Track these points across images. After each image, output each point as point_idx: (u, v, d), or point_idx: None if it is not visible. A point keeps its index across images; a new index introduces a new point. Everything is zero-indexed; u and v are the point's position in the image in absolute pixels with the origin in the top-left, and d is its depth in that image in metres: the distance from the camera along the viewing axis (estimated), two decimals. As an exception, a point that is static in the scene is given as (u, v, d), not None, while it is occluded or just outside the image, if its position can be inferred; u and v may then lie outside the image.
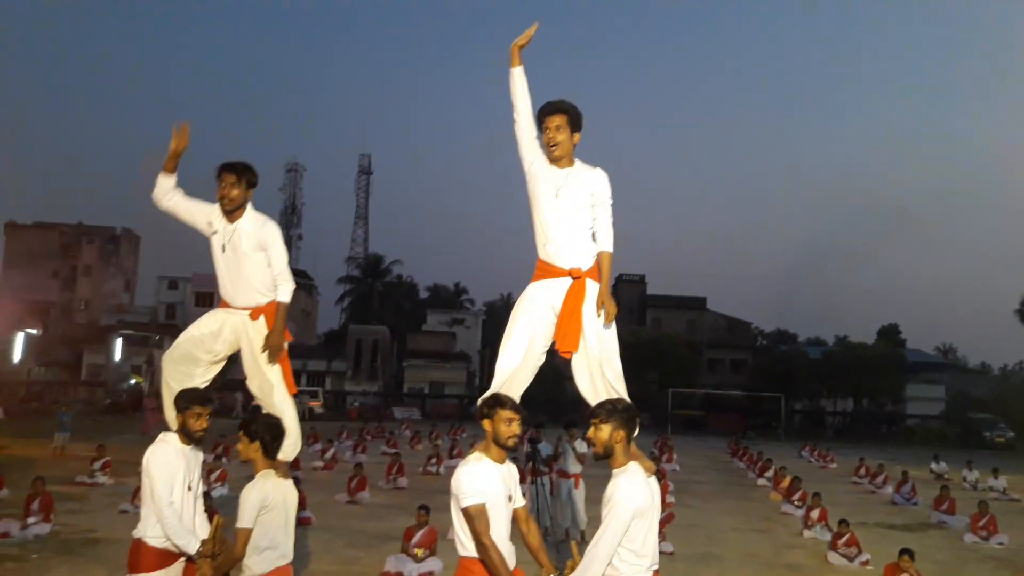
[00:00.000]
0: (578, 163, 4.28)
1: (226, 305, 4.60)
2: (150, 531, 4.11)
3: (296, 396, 4.73)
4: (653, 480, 3.74)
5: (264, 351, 4.47)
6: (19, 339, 42.91)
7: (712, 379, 57.19)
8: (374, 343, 58.97)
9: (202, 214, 4.62)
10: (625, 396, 4.01)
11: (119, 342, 48.24)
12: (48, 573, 8.54)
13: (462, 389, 57.84)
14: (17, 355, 42.89)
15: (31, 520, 10.35)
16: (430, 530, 9.41)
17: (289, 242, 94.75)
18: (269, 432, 4.10)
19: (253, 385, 4.54)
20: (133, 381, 48.64)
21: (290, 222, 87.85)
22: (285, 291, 4.58)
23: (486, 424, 3.86)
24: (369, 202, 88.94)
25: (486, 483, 3.74)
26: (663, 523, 10.03)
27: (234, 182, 4.49)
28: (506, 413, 3.83)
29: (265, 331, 4.48)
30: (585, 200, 4.19)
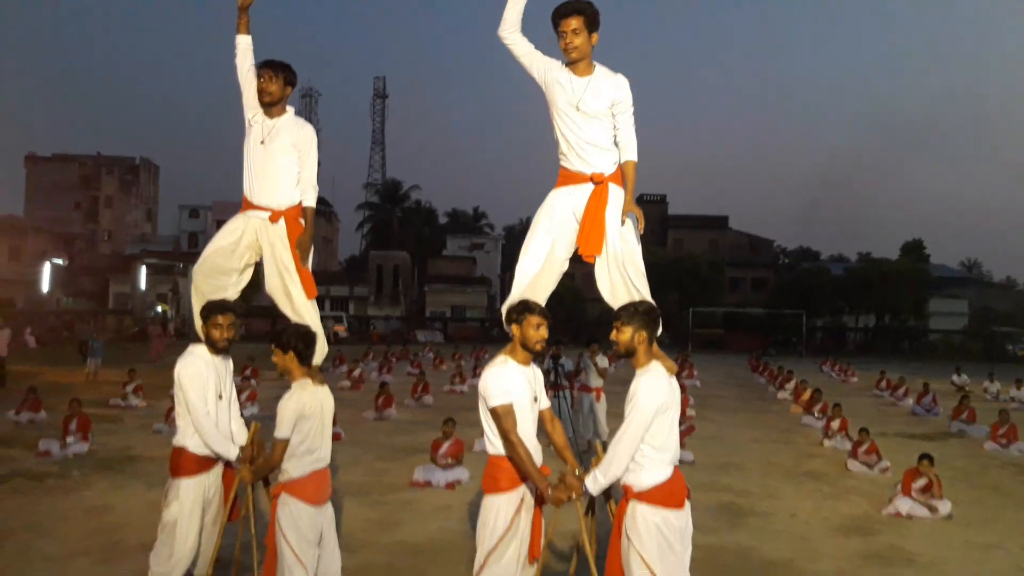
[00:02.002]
0: (598, 69, 4.10)
1: (247, 206, 4.62)
2: (189, 440, 4.23)
3: (321, 320, 4.79)
4: (674, 379, 3.79)
5: (296, 250, 4.56)
6: (46, 270, 43.56)
7: (733, 298, 57.07)
8: (395, 268, 59.30)
9: (246, 102, 4.72)
10: (648, 297, 4.01)
11: (143, 271, 48.84)
12: (89, 488, 8.85)
13: (483, 313, 58.29)
14: (45, 286, 43.61)
15: (70, 440, 10.69)
16: (456, 441, 9.63)
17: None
18: (301, 340, 4.16)
19: (273, 290, 4.58)
20: (159, 309, 49.44)
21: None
22: (311, 197, 4.70)
23: (514, 329, 3.90)
24: (385, 127, 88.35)
25: (512, 384, 3.81)
26: (684, 434, 10.17)
27: (271, 76, 4.63)
28: (535, 319, 3.88)
29: (284, 235, 4.52)
30: (606, 108, 4.08)
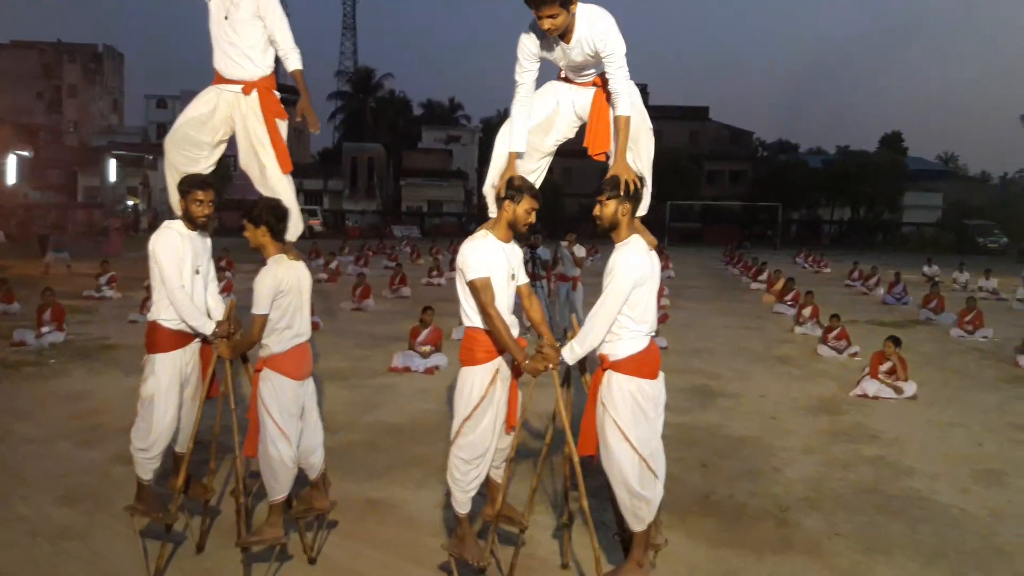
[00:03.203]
0: (579, 25, 3.77)
1: (219, 79, 4.45)
2: (163, 314, 4.19)
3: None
4: (654, 253, 3.77)
5: (299, 119, 4.46)
6: (10, 162, 42.41)
7: (711, 191, 56.97)
8: (369, 161, 58.30)
9: None
10: (647, 174, 3.94)
11: (112, 163, 47.76)
12: (66, 376, 8.87)
13: (460, 207, 57.90)
14: (10, 179, 42.55)
15: (45, 329, 10.64)
16: (435, 329, 9.71)
17: (275, 58, 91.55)
18: (272, 214, 4.07)
19: (248, 165, 4.46)
20: (130, 203, 48.62)
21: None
22: (295, 59, 4.50)
23: (507, 205, 3.83)
24: (356, 11, 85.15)
25: (491, 258, 3.79)
26: (658, 321, 10.31)
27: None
28: (531, 202, 3.84)
29: (257, 107, 4.37)
30: (591, 60, 3.87)
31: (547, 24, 3.67)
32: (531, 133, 4.07)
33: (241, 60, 4.38)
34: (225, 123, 4.43)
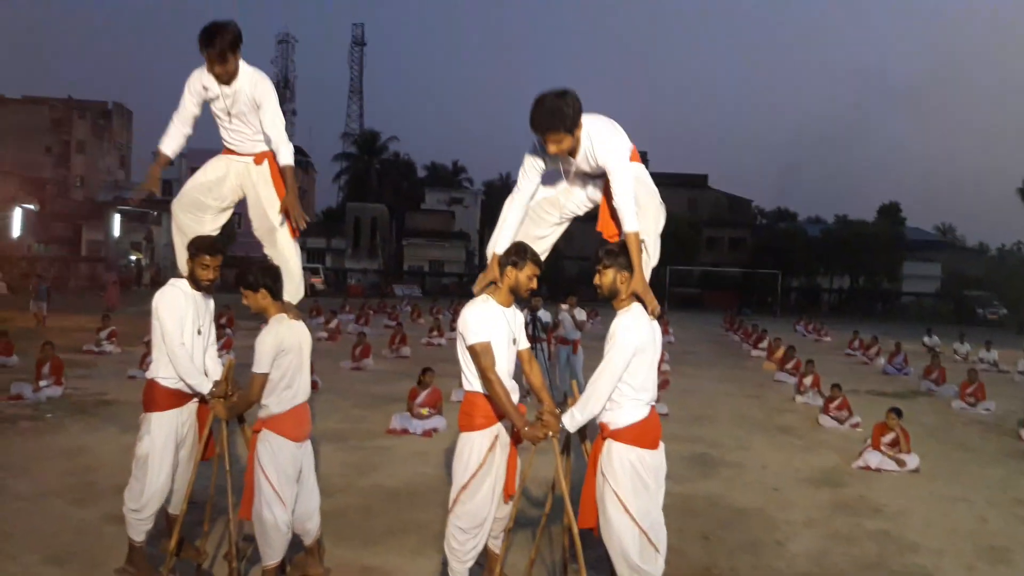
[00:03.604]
0: (582, 139, 3.78)
1: (229, 152, 4.52)
2: (162, 372, 4.18)
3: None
4: (655, 322, 3.79)
5: (282, 213, 4.41)
6: (16, 215, 42.74)
7: (710, 257, 57.35)
8: (373, 221, 58.81)
9: (198, 93, 4.42)
10: (652, 245, 3.95)
11: (117, 218, 48.06)
12: (63, 431, 8.79)
13: (462, 268, 58.16)
14: (16, 231, 42.84)
15: (43, 383, 10.59)
16: (434, 390, 9.65)
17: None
18: (267, 275, 4.10)
19: (259, 228, 4.50)
20: (133, 258, 48.84)
21: (283, 97, 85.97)
22: (286, 153, 4.39)
23: (509, 270, 3.86)
24: (363, 75, 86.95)
25: (492, 323, 3.81)
26: (659, 388, 10.27)
27: (219, 63, 4.27)
28: (533, 269, 3.87)
29: (268, 176, 4.41)
30: (598, 169, 3.88)
31: (553, 149, 3.73)
32: (541, 203, 4.11)
33: (249, 143, 4.46)
34: (234, 192, 4.49)
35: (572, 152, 3.79)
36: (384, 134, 70.74)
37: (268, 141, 4.44)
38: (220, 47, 4.19)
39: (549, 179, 4.12)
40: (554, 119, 3.61)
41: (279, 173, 4.44)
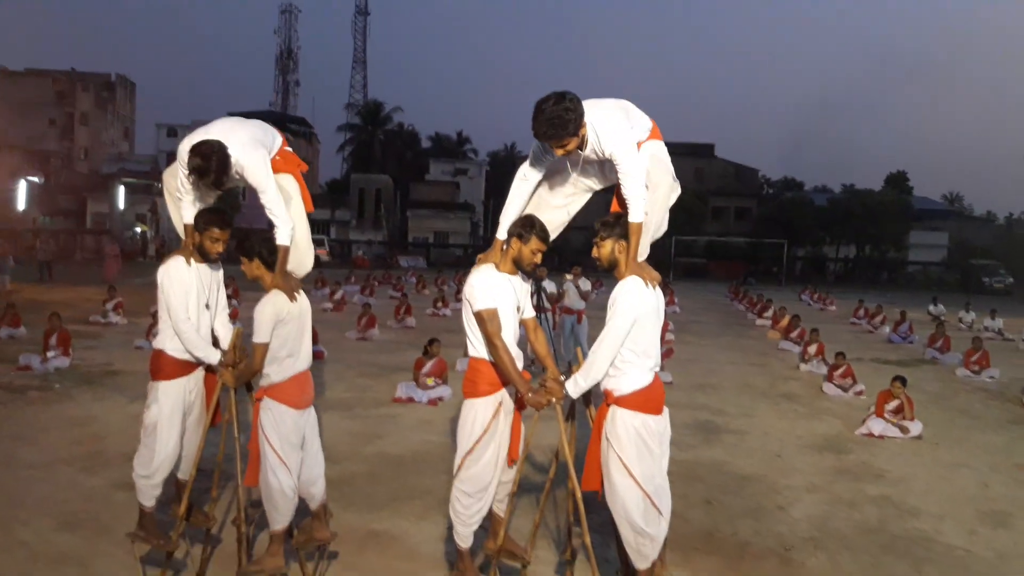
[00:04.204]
0: (588, 134, 3.71)
1: None
2: (168, 343, 4.20)
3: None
4: (658, 289, 3.79)
5: (296, 182, 4.32)
6: (21, 187, 42.77)
7: (716, 227, 57.17)
8: (377, 192, 58.65)
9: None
10: (658, 218, 3.87)
11: (121, 190, 48.10)
12: (70, 401, 8.88)
13: (466, 239, 58.05)
14: (21, 204, 42.88)
15: (50, 354, 10.67)
16: (440, 361, 9.70)
17: (286, 89, 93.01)
18: (264, 246, 4.09)
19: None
20: (138, 229, 48.90)
21: (286, 67, 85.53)
22: (284, 235, 4.08)
23: (514, 242, 3.86)
24: (367, 45, 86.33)
25: (497, 289, 3.82)
26: (663, 357, 10.29)
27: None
28: (538, 244, 3.86)
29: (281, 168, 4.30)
30: (607, 159, 3.80)
31: (559, 153, 3.69)
32: (555, 178, 4.06)
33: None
34: (231, 180, 4.33)
35: (580, 146, 3.75)
36: (388, 104, 70.44)
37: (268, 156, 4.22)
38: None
39: (562, 162, 4.07)
40: (555, 128, 3.55)
41: (290, 163, 4.32)
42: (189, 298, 4.20)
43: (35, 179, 44.58)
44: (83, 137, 68.92)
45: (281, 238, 4.09)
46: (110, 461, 6.54)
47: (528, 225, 3.86)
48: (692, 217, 50.93)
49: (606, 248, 3.76)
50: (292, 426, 4.07)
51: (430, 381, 9.52)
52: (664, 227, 3.93)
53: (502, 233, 3.95)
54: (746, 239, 53.25)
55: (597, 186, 4.16)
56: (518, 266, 3.92)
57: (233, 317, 4.72)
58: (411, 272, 36.64)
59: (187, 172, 4.00)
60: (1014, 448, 8.59)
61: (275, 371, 4.05)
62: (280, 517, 4.11)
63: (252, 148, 4.09)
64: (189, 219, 4.25)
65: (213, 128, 4.15)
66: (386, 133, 69.11)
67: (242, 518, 4.18)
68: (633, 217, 3.68)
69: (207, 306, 4.32)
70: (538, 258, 3.90)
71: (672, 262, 44.67)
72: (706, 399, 10.40)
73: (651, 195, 3.76)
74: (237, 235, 4.30)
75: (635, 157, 3.69)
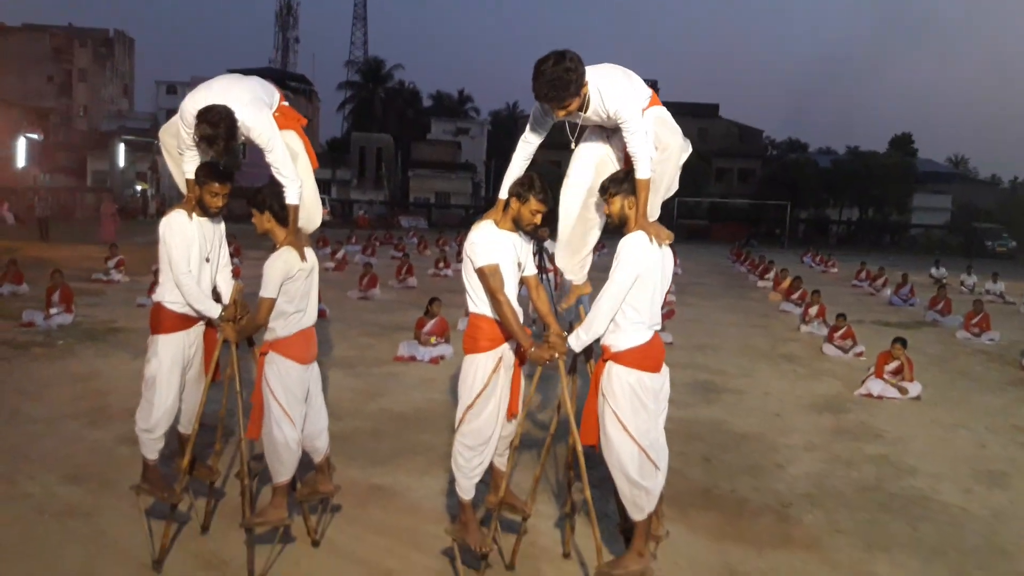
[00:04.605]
0: (591, 94, 3.67)
1: None
2: (168, 296, 4.21)
3: None
4: (666, 247, 3.77)
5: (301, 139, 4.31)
6: (21, 145, 42.49)
7: (719, 188, 56.83)
8: (378, 151, 58.22)
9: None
10: (668, 179, 3.89)
11: (122, 147, 47.78)
12: (73, 357, 8.93)
13: (468, 200, 57.76)
14: (20, 161, 42.64)
15: (53, 311, 10.70)
16: (441, 320, 9.73)
17: (286, 45, 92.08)
18: (276, 200, 4.08)
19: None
20: (139, 188, 48.70)
21: (286, 23, 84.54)
22: (292, 193, 4.10)
23: (514, 202, 3.84)
24: (368, 1, 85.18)
25: (498, 245, 3.82)
26: (664, 317, 10.30)
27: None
28: (538, 205, 3.83)
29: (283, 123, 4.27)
30: (609, 120, 3.76)
31: (561, 114, 3.67)
32: (592, 194, 4.03)
33: None
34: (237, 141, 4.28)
35: (582, 107, 3.71)
36: (389, 62, 69.74)
37: (268, 110, 4.21)
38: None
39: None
40: (556, 89, 3.50)
41: (291, 119, 4.30)
42: (191, 251, 4.21)
43: (34, 136, 44.24)
44: (82, 94, 68.29)
45: (290, 197, 4.10)
46: (114, 416, 6.59)
47: (527, 185, 3.83)
48: (695, 178, 50.57)
49: (616, 205, 3.74)
50: (297, 380, 4.10)
51: (432, 340, 9.55)
52: (675, 187, 3.94)
53: (504, 194, 3.93)
54: (749, 201, 52.98)
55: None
56: (518, 226, 3.91)
57: (235, 275, 4.71)
58: (412, 232, 36.54)
59: (196, 138, 3.99)
60: (1012, 410, 8.64)
61: (281, 326, 4.07)
62: (283, 470, 4.15)
63: (256, 108, 4.09)
64: (191, 174, 4.24)
65: (215, 85, 4.14)
66: (387, 91, 68.43)
67: (245, 471, 4.22)
68: (640, 173, 3.66)
69: (208, 260, 4.32)
70: (538, 219, 3.88)
71: (675, 224, 44.50)
72: (706, 359, 10.44)
73: (661, 156, 3.77)
74: (243, 193, 4.29)
75: (640, 114, 3.69)
